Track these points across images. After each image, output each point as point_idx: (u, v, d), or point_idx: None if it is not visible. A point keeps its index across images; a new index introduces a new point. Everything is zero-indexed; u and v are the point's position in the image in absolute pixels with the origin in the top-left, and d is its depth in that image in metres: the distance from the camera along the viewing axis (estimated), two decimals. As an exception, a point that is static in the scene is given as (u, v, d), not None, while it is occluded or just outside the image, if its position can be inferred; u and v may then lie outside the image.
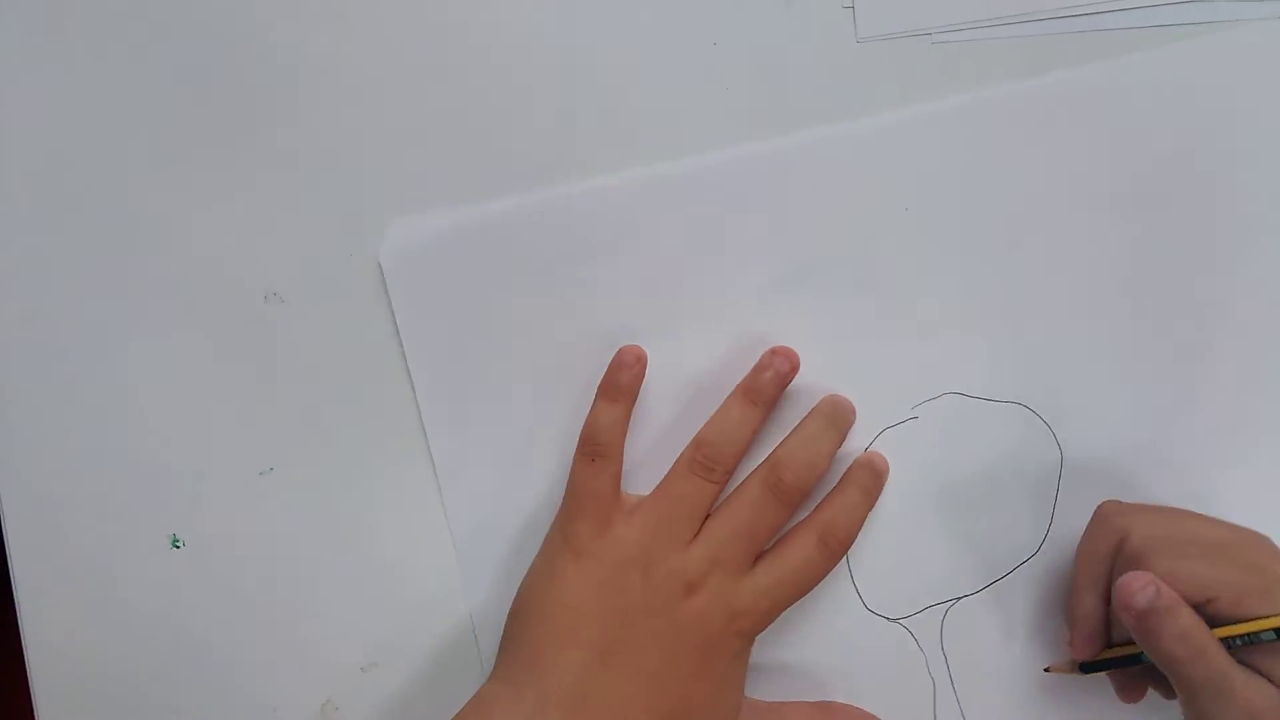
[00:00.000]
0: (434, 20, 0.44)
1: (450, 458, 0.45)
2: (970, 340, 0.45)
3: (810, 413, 0.44)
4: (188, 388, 0.44)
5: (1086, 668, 0.43)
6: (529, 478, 0.45)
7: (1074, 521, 0.45)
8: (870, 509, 0.44)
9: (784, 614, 0.43)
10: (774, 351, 0.44)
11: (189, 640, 0.45)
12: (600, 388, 0.44)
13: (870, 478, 0.44)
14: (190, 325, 0.44)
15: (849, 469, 0.44)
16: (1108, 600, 0.42)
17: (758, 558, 0.43)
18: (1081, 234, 0.45)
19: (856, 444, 0.45)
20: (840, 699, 0.45)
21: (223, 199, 0.44)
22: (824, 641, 0.45)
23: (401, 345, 0.44)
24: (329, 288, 0.44)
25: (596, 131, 0.44)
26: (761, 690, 0.45)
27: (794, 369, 0.44)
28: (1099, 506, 0.43)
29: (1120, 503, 0.43)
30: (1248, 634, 0.38)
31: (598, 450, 0.43)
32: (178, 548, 0.44)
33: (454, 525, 0.45)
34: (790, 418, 0.44)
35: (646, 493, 0.44)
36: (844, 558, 0.45)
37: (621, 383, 0.43)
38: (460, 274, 0.45)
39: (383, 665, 0.45)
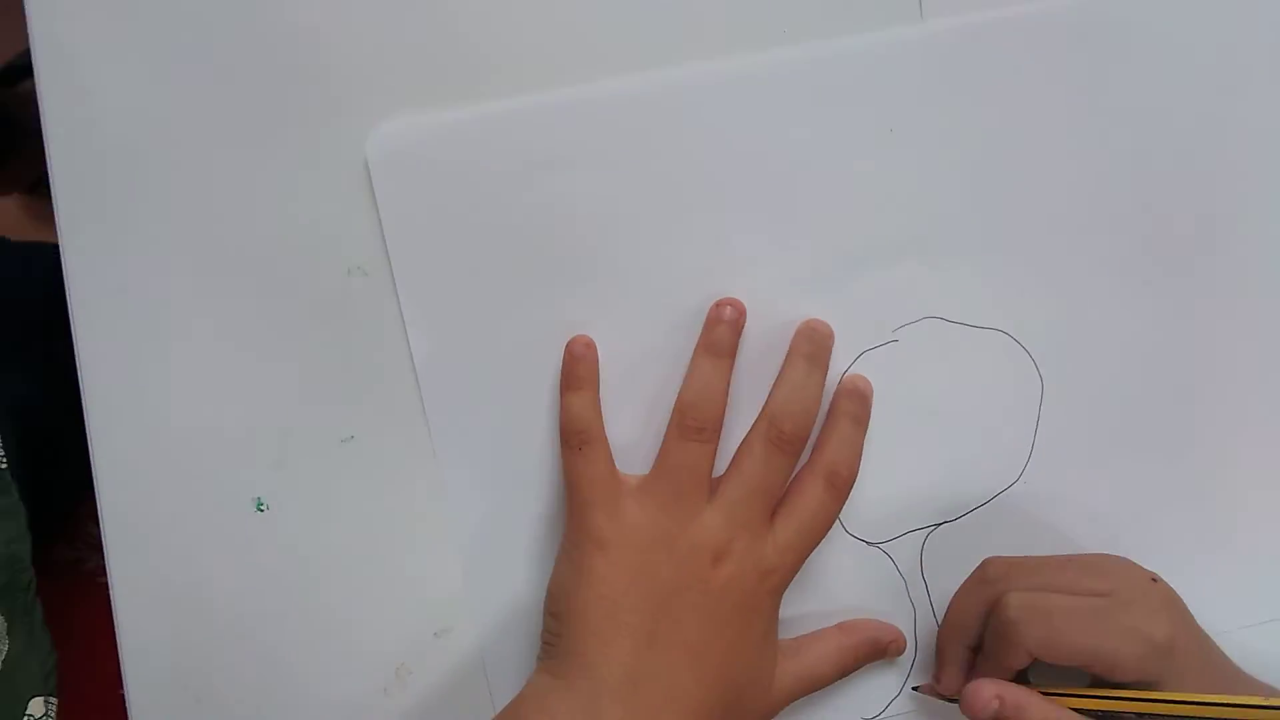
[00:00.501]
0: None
1: (430, 357, 0.45)
2: (953, 265, 0.45)
3: (790, 355, 0.45)
4: (274, 357, 0.45)
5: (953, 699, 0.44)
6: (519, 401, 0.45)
7: (1055, 451, 0.46)
8: (865, 435, 0.45)
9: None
10: (719, 304, 0.44)
11: (271, 600, 0.46)
12: (562, 382, 0.44)
13: (858, 405, 0.45)
14: (278, 297, 0.45)
15: (835, 399, 0.45)
16: (974, 650, 0.44)
17: (773, 513, 0.44)
18: (1070, 162, 0.45)
19: (837, 366, 0.45)
20: (822, 624, 0.46)
21: (312, 177, 0.45)
22: (805, 565, 0.44)
23: (385, 243, 0.45)
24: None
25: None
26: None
27: (743, 315, 0.44)
28: (984, 564, 0.44)
29: (1004, 562, 0.44)
30: (1107, 711, 0.40)
31: (582, 438, 0.43)
32: (262, 511, 0.45)
33: (438, 440, 0.45)
34: (775, 342, 0.45)
35: (639, 471, 0.44)
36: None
37: (580, 374, 0.44)
38: (450, 176, 0.45)
39: (455, 631, 0.46)
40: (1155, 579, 0.42)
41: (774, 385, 0.45)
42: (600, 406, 0.44)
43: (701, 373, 0.44)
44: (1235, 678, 0.41)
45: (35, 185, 1.02)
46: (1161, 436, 0.46)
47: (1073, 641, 0.40)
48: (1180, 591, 0.42)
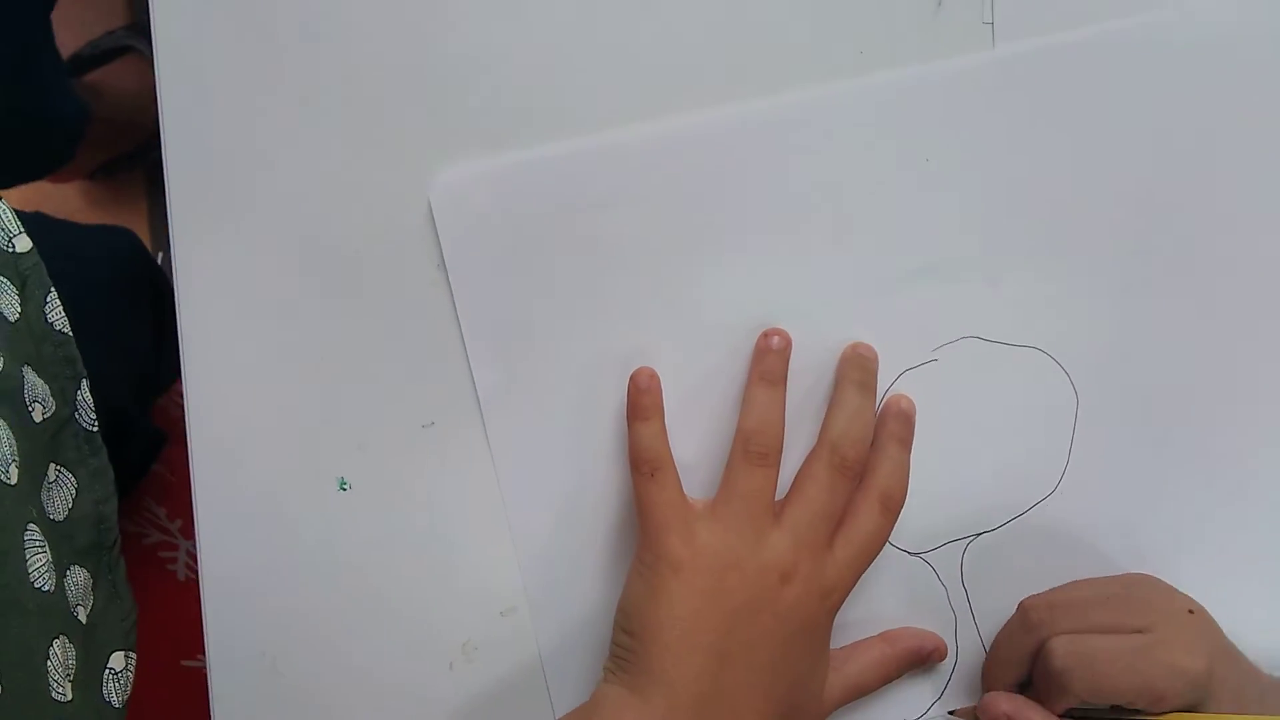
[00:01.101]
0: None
1: (494, 390, 0.47)
2: (992, 286, 0.47)
3: (841, 382, 0.46)
4: (363, 346, 0.47)
5: None
6: (577, 419, 0.47)
7: (1090, 463, 0.47)
8: (910, 454, 0.47)
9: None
10: (767, 334, 0.46)
11: (349, 575, 0.47)
12: (629, 413, 0.46)
13: (904, 427, 0.46)
14: (368, 291, 0.47)
15: (882, 419, 0.46)
16: (1019, 687, 0.46)
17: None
18: (1102, 184, 0.46)
19: (880, 385, 0.47)
20: (866, 632, 0.48)
21: (400, 184, 0.47)
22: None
23: (449, 282, 0.47)
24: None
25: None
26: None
27: (789, 343, 0.46)
28: (1023, 608, 0.46)
29: (1044, 604, 0.45)
30: None
31: (653, 465, 0.45)
32: (344, 490, 0.47)
33: (500, 467, 0.47)
34: (817, 363, 0.47)
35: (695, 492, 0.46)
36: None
37: (646, 404, 0.46)
38: (510, 217, 0.46)
39: (520, 611, 0.48)
40: (1192, 610, 0.43)
41: (830, 413, 0.46)
42: (667, 434, 0.46)
43: (760, 401, 0.46)
44: (1266, 692, 0.43)
45: (95, 172, 1.04)
46: (1194, 450, 0.48)
47: (1117, 685, 0.42)
48: (1214, 605, 0.44)
